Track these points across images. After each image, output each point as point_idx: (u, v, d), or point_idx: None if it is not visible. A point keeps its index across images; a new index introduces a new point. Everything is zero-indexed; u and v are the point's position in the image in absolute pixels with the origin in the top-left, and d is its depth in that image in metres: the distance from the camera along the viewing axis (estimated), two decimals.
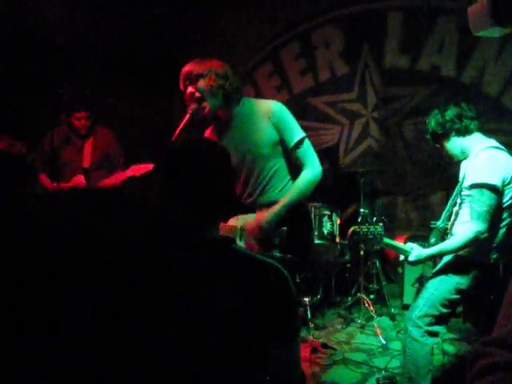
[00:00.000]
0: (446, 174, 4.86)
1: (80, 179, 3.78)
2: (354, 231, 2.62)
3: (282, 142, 2.41)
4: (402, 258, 2.60)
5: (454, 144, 2.61)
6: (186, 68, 2.37)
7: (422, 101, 5.19)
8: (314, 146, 2.52)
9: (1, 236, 0.63)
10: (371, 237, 2.59)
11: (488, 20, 2.73)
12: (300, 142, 2.40)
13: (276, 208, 2.33)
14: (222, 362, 0.81)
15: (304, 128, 2.46)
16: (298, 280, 2.33)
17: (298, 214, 2.41)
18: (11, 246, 0.62)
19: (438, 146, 2.70)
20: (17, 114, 4.21)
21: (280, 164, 2.45)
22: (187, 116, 2.34)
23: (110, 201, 0.75)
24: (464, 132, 2.56)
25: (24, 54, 4.29)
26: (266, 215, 2.33)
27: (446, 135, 2.59)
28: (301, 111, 5.78)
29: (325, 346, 3.73)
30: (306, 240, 2.55)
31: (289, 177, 2.48)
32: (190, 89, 2.37)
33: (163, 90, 5.45)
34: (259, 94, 5.95)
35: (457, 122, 2.55)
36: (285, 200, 2.35)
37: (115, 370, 0.62)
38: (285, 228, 2.32)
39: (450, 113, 2.57)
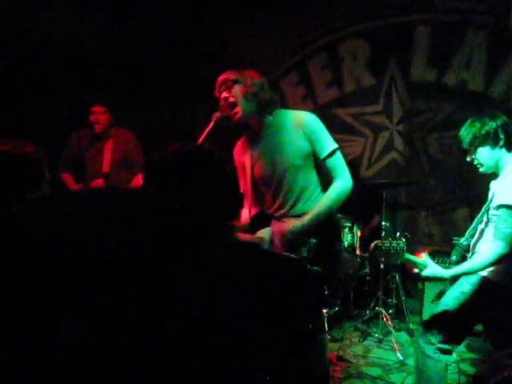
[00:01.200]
0: (470, 190, 4.79)
1: (99, 183, 3.79)
2: (376, 245, 2.59)
3: (313, 154, 2.42)
4: (416, 270, 2.56)
5: (495, 155, 2.49)
6: (223, 76, 2.43)
7: (448, 115, 5.14)
8: None
9: (1, 237, 0.65)
10: (393, 252, 2.55)
11: None
12: (331, 154, 2.41)
13: (304, 219, 2.34)
14: (226, 361, 0.81)
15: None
16: (326, 292, 2.32)
17: (327, 226, 2.41)
18: (11, 246, 0.63)
19: (474, 151, 2.52)
20: (20, 115, 4.21)
21: (311, 175, 2.46)
22: (211, 124, 2.36)
23: (116, 201, 0.76)
24: (507, 144, 2.47)
25: (35, 56, 4.30)
26: (291, 225, 2.33)
27: (494, 141, 2.46)
28: (325, 122, 5.72)
29: (341, 358, 3.71)
30: (335, 252, 2.53)
31: (319, 188, 2.48)
32: (224, 94, 2.40)
33: (188, 99, 5.50)
34: (284, 103, 5.96)
35: (509, 134, 2.47)
36: (313, 212, 2.36)
37: (115, 369, 0.63)
38: (314, 240, 2.31)
39: (500, 121, 2.47)
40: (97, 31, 4.81)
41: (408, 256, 2.60)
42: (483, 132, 2.47)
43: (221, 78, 2.42)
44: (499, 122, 2.48)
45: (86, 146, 3.93)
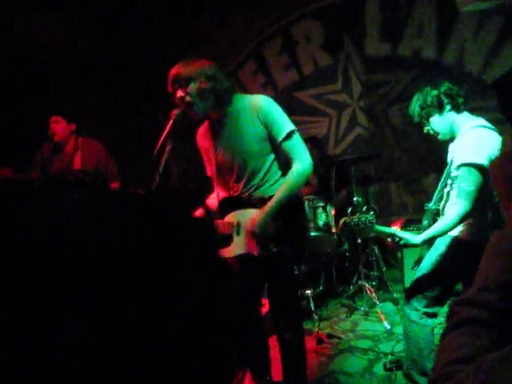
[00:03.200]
0: (436, 156, 4.90)
1: None
2: (345, 222, 2.63)
3: (270, 137, 2.41)
4: (389, 240, 2.61)
5: (446, 119, 2.56)
6: (174, 71, 2.36)
7: (406, 86, 5.23)
8: (304, 139, 2.53)
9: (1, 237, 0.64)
10: (363, 226, 2.59)
11: None
12: (288, 136, 2.39)
13: (268, 207, 2.35)
14: None
15: (292, 123, 2.47)
16: (296, 272, 2.34)
17: (291, 208, 2.42)
18: (11, 246, 0.63)
19: (426, 126, 2.63)
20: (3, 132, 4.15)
21: (272, 159, 2.46)
22: (170, 122, 2.35)
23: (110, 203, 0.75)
24: (458, 108, 2.53)
25: (10, 70, 4.24)
26: (258, 219, 2.35)
27: (440, 108, 2.54)
28: (288, 106, 5.72)
29: (330, 336, 3.77)
30: (302, 232, 2.56)
31: (280, 172, 2.49)
32: (179, 93, 2.36)
33: (146, 97, 5.45)
34: (245, 93, 5.95)
35: (454, 97, 2.53)
36: (276, 197, 2.37)
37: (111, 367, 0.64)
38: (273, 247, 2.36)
39: (446, 88, 2.53)
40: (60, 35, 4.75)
41: (379, 228, 2.64)
42: (428, 102, 2.55)
43: (172, 73, 2.36)
44: (441, 88, 2.56)
45: (50, 156, 3.83)
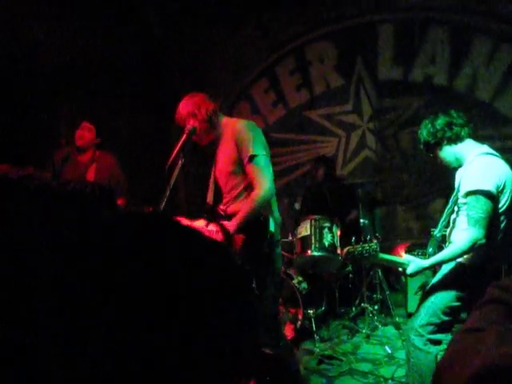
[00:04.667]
0: (444, 181, 4.90)
1: None
2: (348, 251, 2.63)
3: (239, 158, 2.53)
4: (400, 269, 2.61)
5: (447, 152, 2.62)
6: (180, 111, 2.64)
7: (417, 111, 5.26)
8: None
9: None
10: (366, 255, 2.60)
11: None
12: (250, 159, 2.48)
13: (227, 225, 2.50)
14: None
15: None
16: (254, 285, 2.40)
17: (252, 228, 2.51)
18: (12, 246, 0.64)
19: (432, 155, 2.71)
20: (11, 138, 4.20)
21: (242, 179, 2.58)
22: (184, 136, 2.41)
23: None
24: (455, 139, 2.58)
25: (12, 77, 4.29)
26: (218, 236, 2.50)
27: (438, 144, 2.61)
28: (298, 125, 5.85)
29: (331, 357, 3.74)
30: (261, 252, 2.59)
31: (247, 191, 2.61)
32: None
33: (160, 110, 5.51)
34: (255, 110, 6.02)
35: (447, 131, 2.57)
36: (236, 217, 2.49)
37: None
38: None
39: (440, 121, 2.59)
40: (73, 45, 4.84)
41: (384, 256, 2.65)
42: (427, 141, 2.63)
43: (178, 114, 2.63)
44: (436, 124, 2.60)
45: (63, 163, 3.87)
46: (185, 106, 2.62)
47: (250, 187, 2.56)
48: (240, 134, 2.52)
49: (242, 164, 2.53)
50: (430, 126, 2.62)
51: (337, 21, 5.62)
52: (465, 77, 5.06)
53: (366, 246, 2.60)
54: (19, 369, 0.58)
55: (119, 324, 0.60)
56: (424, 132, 2.64)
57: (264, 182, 2.49)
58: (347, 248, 2.65)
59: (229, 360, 0.68)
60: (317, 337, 4.01)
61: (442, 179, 4.93)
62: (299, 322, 4.07)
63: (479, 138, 2.68)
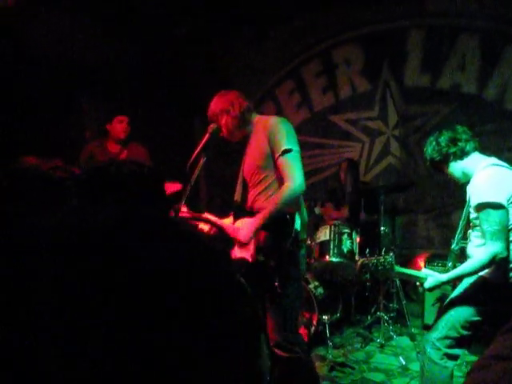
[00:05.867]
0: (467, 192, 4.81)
1: None
2: (362, 264, 2.59)
3: (271, 153, 2.51)
4: (417, 283, 2.57)
5: (455, 168, 2.60)
6: (212, 107, 2.64)
7: (443, 119, 5.17)
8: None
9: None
10: (381, 268, 2.56)
11: None
12: (283, 153, 2.45)
13: (254, 219, 2.47)
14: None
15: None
16: (276, 283, 2.39)
17: (278, 223, 2.46)
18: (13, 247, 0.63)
19: (440, 172, 2.68)
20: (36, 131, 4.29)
21: (272, 176, 2.56)
22: (207, 135, 2.41)
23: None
24: (461, 155, 2.55)
25: (39, 73, 4.36)
26: (242, 227, 2.51)
27: (444, 161, 2.59)
28: (322, 129, 5.81)
29: (343, 364, 3.70)
30: (285, 249, 2.56)
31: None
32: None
33: (184, 110, 5.54)
34: (280, 111, 6.00)
35: (451, 146, 2.54)
36: (264, 211, 2.46)
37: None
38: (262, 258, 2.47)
39: (444, 138, 2.56)
40: (98, 45, 4.90)
41: (400, 269, 2.61)
42: (434, 159, 2.61)
43: (210, 111, 2.63)
44: (441, 141, 2.57)
45: (97, 153, 4.03)
46: (218, 103, 2.62)
47: (278, 182, 2.54)
48: (273, 128, 2.51)
49: (272, 159, 2.51)
50: (434, 143, 2.59)
51: (365, 25, 5.56)
52: (494, 86, 4.96)
53: (381, 258, 2.56)
54: (19, 370, 0.57)
55: (119, 324, 0.59)
56: (429, 149, 2.62)
57: (296, 177, 2.45)
58: (361, 260, 2.63)
59: (229, 360, 0.67)
60: (330, 343, 3.97)
61: (465, 190, 4.84)
62: (313, 327, 4.03)
63: (506, 149, 2.63)
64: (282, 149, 2.45)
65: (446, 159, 2.57)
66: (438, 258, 4.44)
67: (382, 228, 4.35)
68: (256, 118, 2.67)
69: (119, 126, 3.99)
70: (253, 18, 5.89)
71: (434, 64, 5.24)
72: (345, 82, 5.79)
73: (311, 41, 5.91)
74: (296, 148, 2.49)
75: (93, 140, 4.19)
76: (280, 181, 2.53)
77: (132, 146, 4.11)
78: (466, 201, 2.66)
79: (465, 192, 2.67)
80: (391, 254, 2.60)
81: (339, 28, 5.73)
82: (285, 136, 2.48)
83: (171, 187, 3.59)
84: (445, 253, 4.75)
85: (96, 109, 4.91)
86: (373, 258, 2.57)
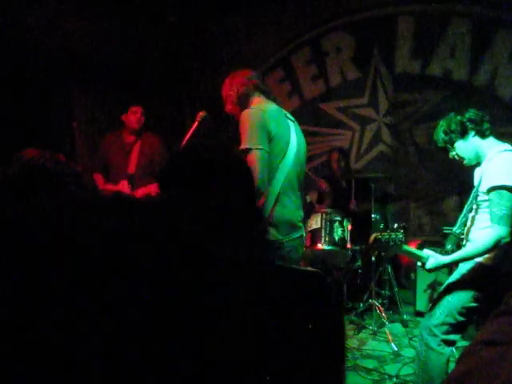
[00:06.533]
0: (458, 179, 4.81)
1: (124, 184, 3.90)
2: (375, 238, 2.57)
3: None
4: (419, 264, 2.55)
5: (471, 145, 2.53)
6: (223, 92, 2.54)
7: (434, 106, 5.16)
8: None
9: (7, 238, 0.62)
10: (392, 244, 2.54)
11: None
12: (244, 152, 2.30)
13: None
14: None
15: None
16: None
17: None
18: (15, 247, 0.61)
19: (451, 147, 2.59)
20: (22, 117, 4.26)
21: None
22: (195, 123, 2.37)
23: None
24: (483, 134, 2.51)
25: (27, 63, 4.31)
26: None
27: (464, 133, 2.51)
28: (312, 117, 5.78)
29: None
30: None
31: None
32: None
33: (175, 99, 5.49)
34: None
35: (478, 123, 2.50)
36: None
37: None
38: None
39: (471, 114, 2.52)
40: (91, 33, 4.84)
41: (406, 248, 2.59)
42: (452, 128, 2.54)
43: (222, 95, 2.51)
44: (466, 114, 2.54)
45: (112, 147, 4.06)
46: (223, 88, 2.54)
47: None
48: (240, 123, 2.38)
49: None
50: (459, 116, 2.53)
51: (355, 11, 5.52)
52: (485, 72, 4.95)
53: (393, 234, 2.54)
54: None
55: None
56: (452, 122, 2.53)
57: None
58: (375, 234, 2.59)
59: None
60: None
61: (456, 177, 4.85)
62: None
63: (498, 135, 2.61)
64: (242, 147, 2.32)
65: (466, 132, 2.51)
66: (429, 245, 4.45)
67: (373, 215, 4.34)
68: (255, 100, 2.53)
69: (133, 117, 4.01)
70: (242, 6, 5.84)
71: (424, 50, 5.22)
72: (335, 69, 5.76)
73: (301, 29, 5.86)
74: (254, 146, 2.30)
75: (109, 132, 4.21)
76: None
77: (146, 135, 4.12)
78: (461, 187, 2.64)
79: (468, 176, 2.64)
80: (401, 231, 2.57)
81: (329, 15, 5.68)
82: (247, 133, 2.33)
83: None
84: (436, 240, 4.78)
85: (85, 98, 4.85)
86: (385, 234, 2.55)
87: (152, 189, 3.75)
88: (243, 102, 2.49)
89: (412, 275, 4.70)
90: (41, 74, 4.30)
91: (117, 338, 0.59)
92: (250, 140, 2.31)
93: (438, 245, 4.14)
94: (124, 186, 3.87)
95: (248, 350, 0.75)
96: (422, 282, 4.39)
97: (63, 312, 0.58)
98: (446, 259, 2.45)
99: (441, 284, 2.72)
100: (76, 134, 4.41)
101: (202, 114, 2.41)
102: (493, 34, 4.84)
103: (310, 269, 1.05)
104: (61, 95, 4.74)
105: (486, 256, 2.42)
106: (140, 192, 3.80)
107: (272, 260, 1.03)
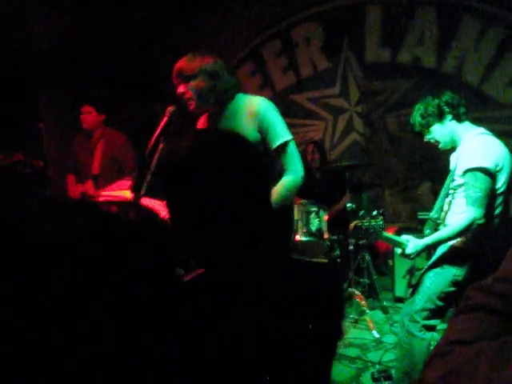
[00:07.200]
0: (431, 165, 4.88)
1: (89, 184, 3.85)
2: (356, 226, 2.57)
3: (264, 143, 2.33)
4: (399, 251, 2.56)
5: (446, 129, 2.54)
6: (178, 65, 2.32)
7: (404, 93, 5.21)
8: (300, 142, 2.47)
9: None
10: (372, 231, 2.55)
11: None
12: (283, 146, 2.31)
13: None
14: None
15: (288, 125, 2.38)
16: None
17: (279, 217, 2.35)
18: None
19: (427, 131, 2.58)
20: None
21: None
22: (165, 119, 2.30)
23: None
24: (459, 118, 2.51)
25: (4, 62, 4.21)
26: None
27: (441, 117, 2.51)
28: (284, 108, 5.71)
29: None
30: (287, 243, 2.49)
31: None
32: (181, 88, 2.32)
33: (145, 92, 5.41)
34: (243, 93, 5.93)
35: (455, 107, 2.50)
36: None
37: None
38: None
39: (448, 97, 2.52)
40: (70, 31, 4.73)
41: (386, 234, 2.60)
42: (428, 111, 2.53)
43: (177, 66, 2.32)
44: (443, 98, 2.54)
45: (79, 148, 4.04)
46: (185, 63, 2.34)
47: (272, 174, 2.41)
48: (265, 115, 2.30)
49: (264, 148, 2.32)
50: (436, 100, 2.52)
51: (324, 1, 5.51)
52: (453, 59, 5.00)
53: (373, 221, 2.55)
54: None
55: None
56: (428, 105, 2.52)
57: (300, 169, 2.34)
58: (355, 222, 2.60)
59: None
60: None
61: (430, 163, 4.91)
62: None
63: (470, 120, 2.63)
64: (283, 140, 2.30)
65: (442, 115, 2.51)
66: (405, 231, 4.49)
67: (349, 204, 4.36)
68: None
69: (85, 117, 3.94)
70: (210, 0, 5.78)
71: (393, 39, 5.25)
72: (305, 60, 5.75)
73: (270, 20, 5.83)
74: (291, 137, 2.35)
75: (77, 135, 4.15)
76: (274, 172, 2.36)
77: (109, 133, 4.05)
78: (434, 172, 2.65)
79: (441, 161, 2.65)
80: (381, 217, 2.58)
81: (298, 6, 5.66)
82: (280, 124, 2.32)
83: (125, 185, 3.53)
84: (412, 226, 4.84)
85: (52, 98, 4.75)
86: (365, 221, 2.55)
87: (119, 187, 3.66)
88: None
89: (390, 262, 4.74)
90: (7, 73, 4.19)
91: (117, 337, 0.59)
92: (287, 129, 2.33)
93: (414, 230, 4.19)
94: (89, 187, 3.81)
95: (248, 349, 0.74)
96: (400, 268, 4.43)
97: (63, 312, 0.58)
98: (424, 241, 2.47)
99: (418, 269, 2.74)
100: (44, 134, 4.31)
101: (171, 108, 2.33)
102: (459, 20, 4.90)
103: (317, 261, 1.03)
104: (27, 95, 4.63)
105: (460, 239, 2.44)
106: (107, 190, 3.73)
107: (275, 257, 1.00)
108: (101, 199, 2.58)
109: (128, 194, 2.47)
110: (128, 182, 3.47)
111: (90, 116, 3.93)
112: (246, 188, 1.01)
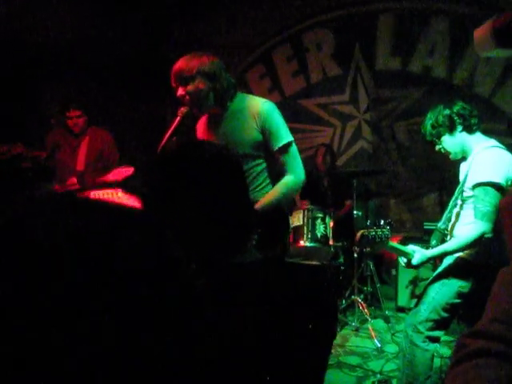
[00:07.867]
0: (439, 175, 4.86)
1: (73, 182, 3.80)
2: (362, 235, 2.56)
3: (266, 144, 2.34)
4: (404, 261, 2.54)
5: (457, 140, 2.52)
6: (176, 66, 2.30)
7: (414, 102, 5.20)
8: (307, 148, 2.47)
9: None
10: (378, 240, 2.54)
11: (492, 43, 2.71)
12: (285, 147, 2.32)
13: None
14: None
15: (296, 130, 2.40)
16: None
17: (275, 219, 2.33)
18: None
19: (437, 141, 2.57)
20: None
21: (262, 165, 2.39)
22: (177, 119, 2.29)
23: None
24: (470, 129, 2.50)
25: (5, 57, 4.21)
26: None
27: (451, 128, 2.49)
28: (292, 113, 5.76)
29: None
30: (283, 243, 2.47)
31: (269, 180, 2.42)
32: (180, 91, 2.31)
33: (155, 92, 5.40)
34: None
35: (466, 118, 2.49)
36: (263, 202, 2.28)
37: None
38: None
39: (459, 107, 2.50)
40: (67, 28, 4.74)
41: (392, 244, 2.59)
42: (439, 122, 2.52)
43: (174, 69, 2.30)
44: (454, 108, 2.52)
45: (55, 148, 3.98)
46: (183, 63, 2.32)
47: (271, 175, 2.41)
48: (268, 116, 2.31)
49: (264, 148, 2.34)
50: (447, 110, 2.50)
51: (336, 8, 5.52)
52: (464, 70, 4.99)
53: (379, 231, 2.54)
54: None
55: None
56: (439, 115, 2.50)
57: (300, 170, 2.36)
58: (362, 231, 2.59)
59: None
60: None
61: (437, 172, 4.89)
62: None
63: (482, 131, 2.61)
64: (285, 142, 2.31)
65: (454, 127, 2.49)
66: (410, 241, 4.48)
67: (356, 212, 4.35)
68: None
69: (70, 122, 3.95)
70: (223, 2, 5.79)
71: (404, 48, 5.25)
72: (316, 66, 5.75)
73: (282, 25, 5.84)
74: (293, 139, 2.37)
75: (56, 128, 4.10)
76: (273, 174, 2.39)
77: (92, 130, 4.05)
78: (441, 183, 2.64)
79: (447, 172, 2.63)
80: (388, 227, 2.57)
81: (310, 12, 5.67)
82: (283, 126, 2.34)
83: (124, 172, 3.52)
84: (417, 235, 4.82)
85: (56, 93, 4.75)
86: (372, 230, 2.54)
87: (115, 176, 3.65)
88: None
89: (393, 271, 4.72)
90: (17, 70, 4.21)
91: (117, 337, 0.58)
92: (288, 131, 2.34)
93: (418, 240, 4.18)
94: (73, 183, 3.78)
95: (248, 349, 0.74)
96: (404, 277, 4.41)
97: (63, 312, 0.57)
98: (430, 252, 2.46)
99: (422, 280, 2.73)
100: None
101: (183, 109, 2.32)
102: (471, 32, 4.88)
103: (310, 263, 1.04)
104: (39, 92, 4.65)
105: (468, 251, 2.43)
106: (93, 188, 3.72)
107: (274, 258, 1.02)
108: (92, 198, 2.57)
109: (120, 195, 2.47)
110: (126, 169, 3.45)
111: (80, 119, 3.96)
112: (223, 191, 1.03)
